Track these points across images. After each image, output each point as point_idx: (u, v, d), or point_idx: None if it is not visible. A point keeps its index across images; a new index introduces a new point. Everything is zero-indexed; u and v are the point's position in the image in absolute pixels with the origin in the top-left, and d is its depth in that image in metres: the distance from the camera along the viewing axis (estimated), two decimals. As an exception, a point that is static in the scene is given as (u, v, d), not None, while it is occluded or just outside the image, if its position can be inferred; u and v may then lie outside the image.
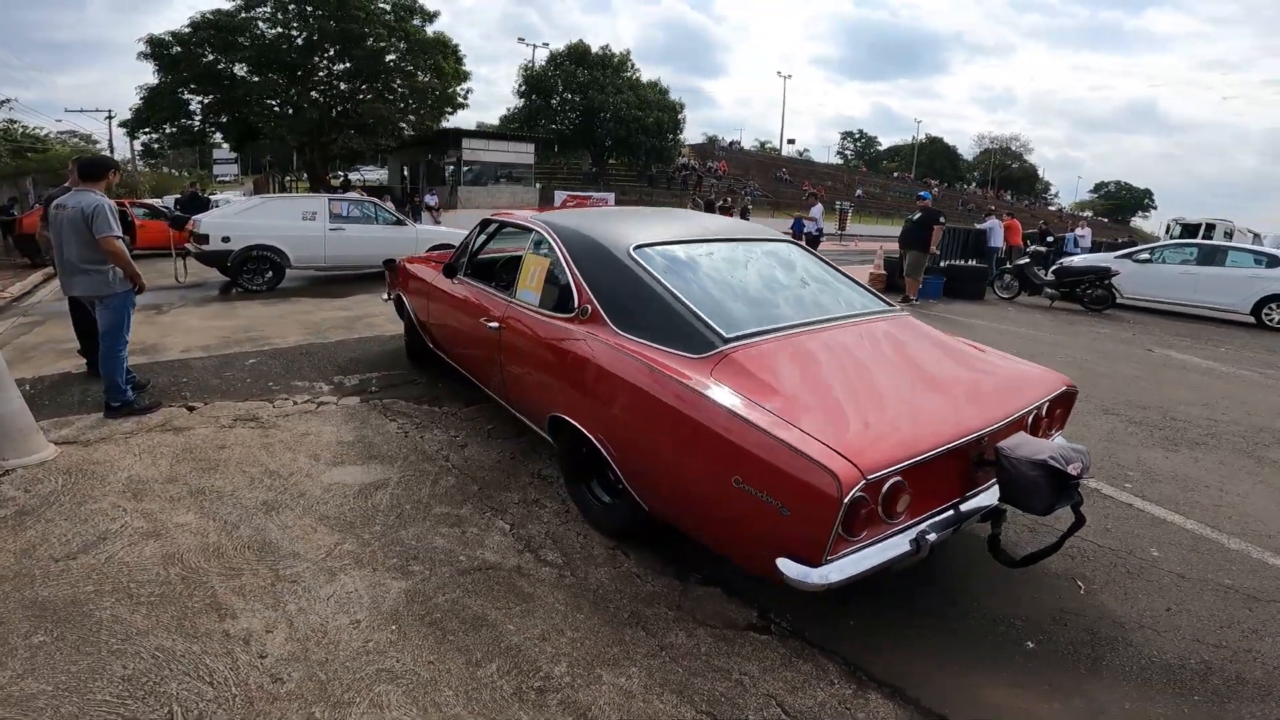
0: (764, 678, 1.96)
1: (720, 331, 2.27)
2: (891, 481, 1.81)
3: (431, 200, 22.43)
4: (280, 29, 22.73)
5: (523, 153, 25.94)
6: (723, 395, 2.02)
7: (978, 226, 13.58)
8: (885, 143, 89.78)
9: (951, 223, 12.36)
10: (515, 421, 3.82)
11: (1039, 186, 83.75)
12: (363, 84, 24.54)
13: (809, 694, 1.91)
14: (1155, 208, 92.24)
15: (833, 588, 1.75)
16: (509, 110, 36.16)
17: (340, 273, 9.73)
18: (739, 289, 2.70)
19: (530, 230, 3.28)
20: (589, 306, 2.61)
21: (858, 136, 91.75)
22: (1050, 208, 73.24)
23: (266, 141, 26.39)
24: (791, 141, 68.92)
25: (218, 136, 26.11)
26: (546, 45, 37.81)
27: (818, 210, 12.41)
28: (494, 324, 3.20)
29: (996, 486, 2.14)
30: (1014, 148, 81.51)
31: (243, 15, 22.16)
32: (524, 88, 33.69)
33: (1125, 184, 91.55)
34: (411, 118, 25.66)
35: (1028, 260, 10.85)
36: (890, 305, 2.97)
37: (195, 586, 2.19)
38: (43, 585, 2.17)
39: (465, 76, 26.14)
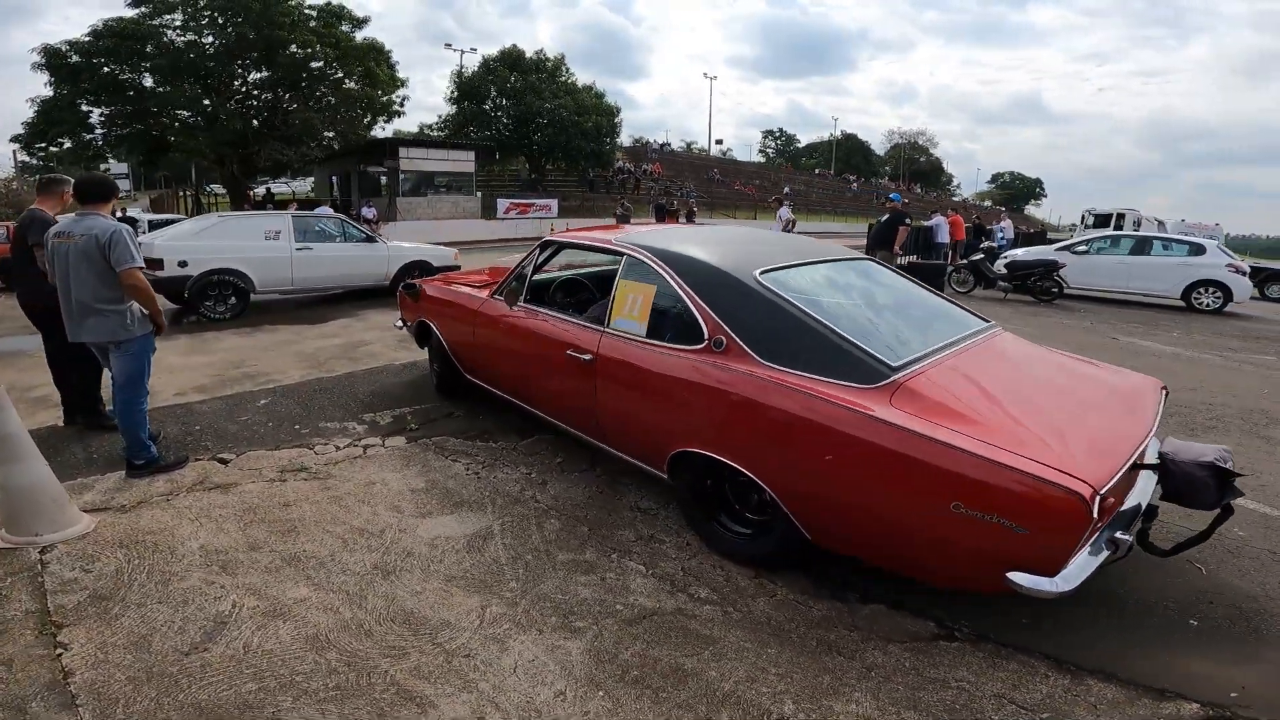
0: (980, 681, 2.04)
1: (886, 360, 2.30)
2: (1105, 493, 1.90)
3: (369, 213, 21.41)
4: (193, 36, 21.15)
5: (463, 161, 25.17)
6: (924, 426, 2.04)
7: (925, 224, 14.33)
8: (803, 140, 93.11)
9: (857, 215, 13.08)
10: (585, 452, 3.74)
11: (944, 179, 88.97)
12: (286, 93, 23.19)
13: (1033, 689, 2.01)
14: (1045, 195, 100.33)
15: (1064, 594, 1.86)
16: (440, 118, 35.20)
17: (305, 296, 9.20)
18: (864, 312, 2.74)
19: (620, 254, 3.18)
20: (723, 338, 2.56)
21: (778, 135, 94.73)
22: (954, 198, 77.87)
23: (179, 155, 24.54)
24: (719, 142, 70.43)
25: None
26: (475, 50, 37.00)
27: (784, 211, 12.85)
28: (586, 356, 3.09)
29: (1156, 486, 2.32)
30: (921, 142, 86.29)
31: (150, 23, 20.47)
32: (456, 94, 32.82)
33: (1018, 174, 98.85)
34: (340, 127, 24.48)
35: (982, 256, 11.52)
36: (987, 320, 3.08)
37: (368, 673, 2.01)
38: (193, 687, 1.94)
39: (402, 83, 25.21)
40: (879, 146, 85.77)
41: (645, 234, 3.32)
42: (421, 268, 9.71)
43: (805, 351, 2.38)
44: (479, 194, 25.96)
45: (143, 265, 3.40)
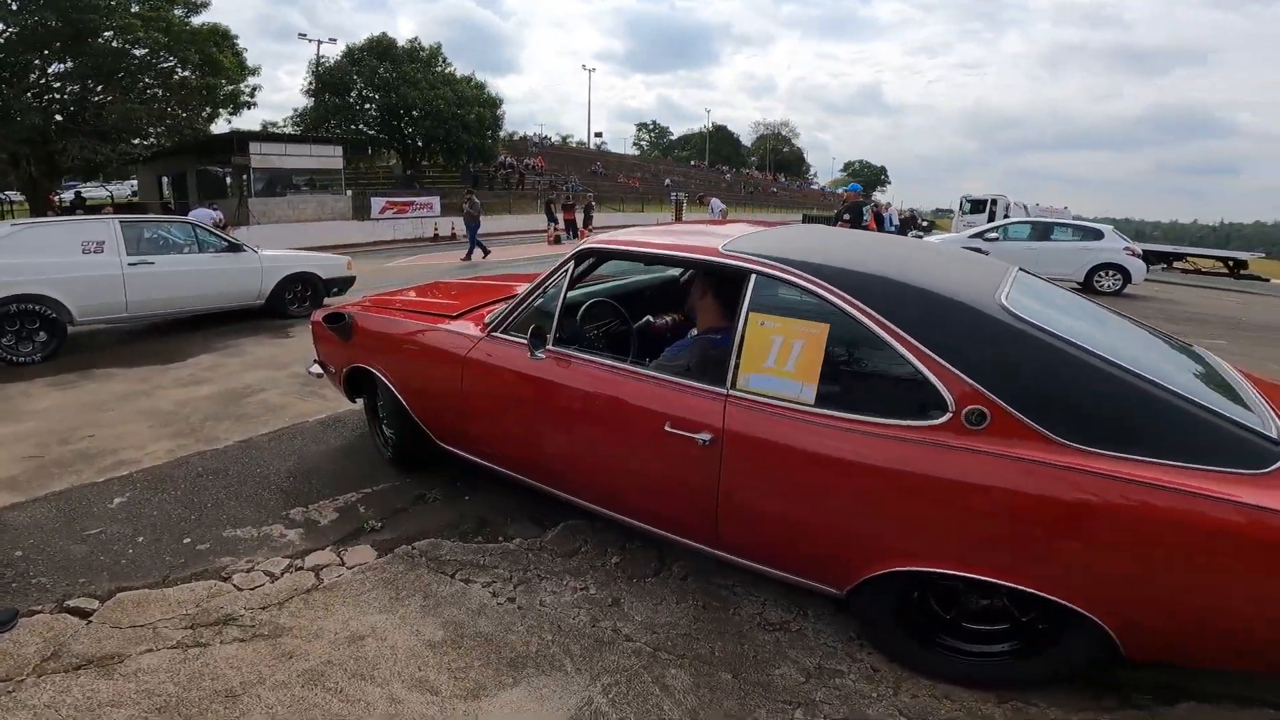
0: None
1: (1264, 431, 1.58)
2: None
3: (214, 216, 18.44)
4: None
5: (328, 157, 22.23)
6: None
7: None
8: (676, 132, 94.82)
9: (734, 205, 13.10)
10: (646, 544, 2.71)
11: (804, 168, 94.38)
12: (98, 84, 19.27)
13: None
14: (890, 183, 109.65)
15: None
16: (295, 111, 31.35)
17: (141, 323, 7.16)
18: (1156, 355, 2.06)
19: (742, 271, 2.10)
20: (984, 409, 1.66)
21: (651, 128, 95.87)
22: (813, 187, 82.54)
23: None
24: (599, 135, 69.33)
25: None
26: (335, 41, 33.38)
27: (716, 203, 12.36)
28: (703, 436, 2.02)
29: None
30: (784, 133, 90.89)
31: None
32: (315, 86, 29.28)
33: (867, 162, 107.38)
34: (170, 121, 20.83)
35: (910, 245, 11.59)
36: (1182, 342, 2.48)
37: None
38: None
39: (252, 71, 21.94)
40: (746, 138, 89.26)
41: (764, 238, 2.31)
42: (306, 281, 7.99)
43: (1140, 426, 1.57)
44: (349, 192, 23.21)
45: None
